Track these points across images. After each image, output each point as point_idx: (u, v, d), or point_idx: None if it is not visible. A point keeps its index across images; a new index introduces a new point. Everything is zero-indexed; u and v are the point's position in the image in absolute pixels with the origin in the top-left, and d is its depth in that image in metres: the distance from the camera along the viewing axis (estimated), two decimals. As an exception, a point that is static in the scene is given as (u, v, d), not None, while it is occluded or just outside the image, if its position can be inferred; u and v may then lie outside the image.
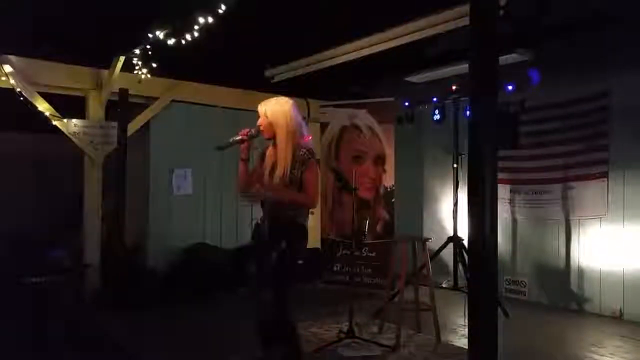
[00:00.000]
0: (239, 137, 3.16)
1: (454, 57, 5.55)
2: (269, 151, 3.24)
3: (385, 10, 4.79)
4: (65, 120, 5.53)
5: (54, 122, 5.46)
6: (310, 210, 3.26)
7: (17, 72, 5.18)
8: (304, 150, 3.11)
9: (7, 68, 5.10)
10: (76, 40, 4.94)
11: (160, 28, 4.41)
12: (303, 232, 3.16)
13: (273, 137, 3.15)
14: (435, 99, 5.93)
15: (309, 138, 3.29)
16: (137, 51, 4.97)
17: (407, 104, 6.21)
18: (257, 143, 3.27)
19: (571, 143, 5.51)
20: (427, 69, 6.11)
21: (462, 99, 5.58)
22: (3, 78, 5.10)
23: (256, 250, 3.25)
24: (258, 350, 3.19)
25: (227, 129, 3.42)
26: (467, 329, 2.66)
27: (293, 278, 3.12)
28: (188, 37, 4.34)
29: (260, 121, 3.17)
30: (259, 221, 3.24)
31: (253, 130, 3.16)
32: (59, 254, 5.57)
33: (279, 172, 3.06)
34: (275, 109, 3.14)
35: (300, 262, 3.12)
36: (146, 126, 6.19)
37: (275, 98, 3.23)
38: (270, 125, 3.13)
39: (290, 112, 3.15)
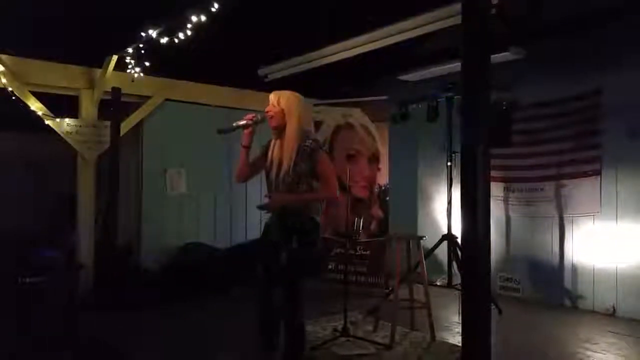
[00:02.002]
0: (243, 122, 3.08)
1: (448, 56, 5.56)
2: (273, 146, 3.14)
3: (379, 8, 4.79)
4: (57, 119, 5.50)
5: (47, 122, 5.44)
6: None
7: (9, 71, 5.15)
8: (310, 140, 3.03)
9: (-1, 67, 5.07)
10: (69, 39, 4.91)
11: (153, 27, 4.40)
12: (316, 227, 3.07)
13: (279, 127, 3.07)
14: (428, 98, 5.93)
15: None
16: (130, 50, 4.95)
17: (400, 102, 6.22)
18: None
19: (564, 141, 5.53)
20: (421, 67, 6.12)
21: (456, 97, 5.59)
22: (-5, 77, 5.07)
23: (264, 249, 3.16)
24: (255, 349, 3.17)
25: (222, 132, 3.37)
26: (461, 327, 2.67)
27: (308, 277, 3.07)
28: (181, 35, 4.33)
29: (269, 108, 3.09)
30: (268, 220, 3.17)
31: (259, 116, 3.09)
32: (52, 254, 5.54)
33: (285, 167, 2.98)
34: (291, 99, 3.09)
35: (315, 257, 3.08)
36: (139, 125, 6.17)
37: (289, 91, 3.16)
38: (282, 113, 3.05)
39: (303, 106, 3.12)
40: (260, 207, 3.16)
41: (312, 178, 3.01)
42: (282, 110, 3.06)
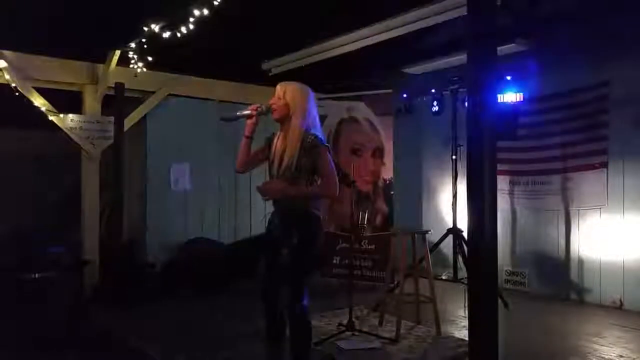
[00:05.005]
0: (247, 112, 3.04)
1: (453, 48, 5.52)
2: (277, 139, 3.11)
3: (383, 0, 4.76)
4: (61, 115, 5.49)
5: (51, 118, 5.43)
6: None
7: (12, 68, 5.14)
8: (312, 136, 2.97)
9: (2, 63, 5.06)
10: (71, 35, 4.90)
11: (156, 21, 4.38)
12: (318, 223, 3.04)
13: (282, 120, 3.03)
14: (433, 91, 5.90)
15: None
16: (133, 45, 4.93)
17: (405, 95, 6.19)
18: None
19: (570, 133, 5.49)
20: (426, 60, 6.08)
21: (461, 90, 5.56)
22: (-2, 74, 5.07)
23: (267, 245, 3.15)
24: (261, 344, 3.17)
25: (225, 123, 3.34)
26: (467, 321, 2.65)
27: (311, 271, 3.06)
28: (184, 30, 4.31)
29: (274, 100, 3.04)
30: (271, 216, 3.15)
31: (263, 107, 3.04)
32: (57, 250, 5.56)
33: (286, 161, 2.94)
34: (296, 92, 3.03)
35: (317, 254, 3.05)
36: (143, 121, 6.15)
37: (296, 82, 3.11)
38: (287, 107, 3.00)
39: (310, 99, 3.06)
40: (258, 188, 3.13)
41: (313, 174, 2.98)
42: (287, 104, 3.01)
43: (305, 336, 3.02)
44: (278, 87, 3.09)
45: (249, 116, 3.05)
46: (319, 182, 3.00)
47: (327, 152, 3.00)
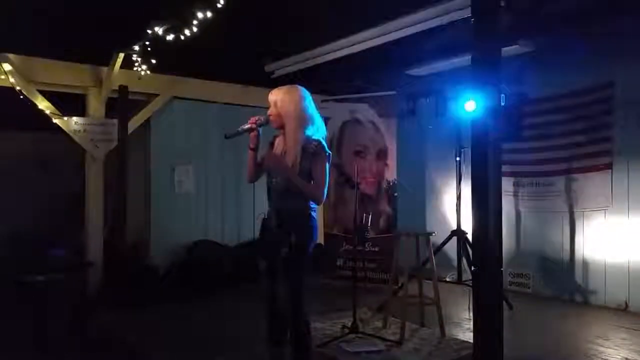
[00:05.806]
0: (247, 126, 3.06)
1: (457, 50, 5.51)
2: (279, 140, 3.14)
3: (387, 1, 4.75)
4: (65, 118, 5.51)
5: (55, 120, 5.44)
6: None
7: (17, 71, 5.16)
8: (315, 143, 3.00)
9: (7, 66, 5.07)
10: (75, 38, 4.91)
11: (159, 24, 4.39)
12: (313, 224, 3.05)
13: (282, 127, 3.06)
14: (437, 92, 5.89)
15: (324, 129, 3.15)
16: (137, 48, 4.94)
17: (409, 97, 6.17)
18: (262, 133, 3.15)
19: (575, 134, 5.47)
20: (430, 62, 6.07)
21: (465, 91, 5.53)
22: (2, 77, 5.07)
23: (263, 246, 3.16)
24: (264, 345, 3.17)
25: (229, 125, 3.36)
26: (471, 323, 2.65)
27: (306, 271, 3.04)
28: (187, 32, 4.32)
29: (270, 110, 3.07)
30: (266, 216, 3.16)
31: (262, 119, 3.07)
32: (60, 253, 5.57)
33: (288, 160, 2.96)
34: (285, 98, 3.03)
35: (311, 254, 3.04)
36: (147, 123, 6.17)
37: (286, 87, 3.11)
38: (279, 115, 3.02)
39: (300, 101, 3.04)
40: (267, 158, 3.12)
41: (309, 177, 3.00)
42: (279, 113, 3.03)
43: (304, 339, 3.02)
44: (270, 96, 3.10)
45: (250, 130, 3.08)
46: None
47: (326, 160, 3.02)
